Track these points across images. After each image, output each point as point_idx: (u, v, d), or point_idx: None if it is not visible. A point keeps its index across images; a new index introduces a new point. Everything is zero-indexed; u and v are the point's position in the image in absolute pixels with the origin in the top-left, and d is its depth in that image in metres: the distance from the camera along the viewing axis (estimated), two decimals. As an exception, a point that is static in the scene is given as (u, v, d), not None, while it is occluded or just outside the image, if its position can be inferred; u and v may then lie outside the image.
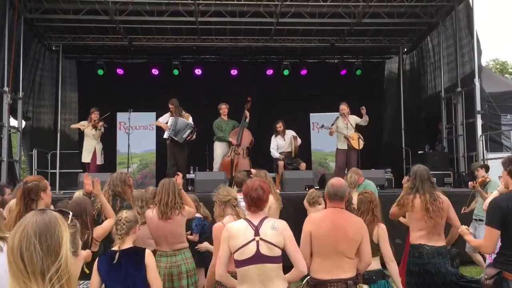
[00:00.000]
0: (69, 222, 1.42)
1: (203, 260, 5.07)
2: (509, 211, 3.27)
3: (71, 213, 1.48)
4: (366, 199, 4.06)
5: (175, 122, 8.95)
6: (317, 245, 3.39)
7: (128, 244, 3.44)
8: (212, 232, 3.76)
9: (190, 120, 9.18)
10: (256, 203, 3.10)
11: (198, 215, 5.39)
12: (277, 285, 3.03)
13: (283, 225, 3.13)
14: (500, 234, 3.33)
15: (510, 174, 3.44)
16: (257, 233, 3.00)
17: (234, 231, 3.06)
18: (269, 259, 2.98)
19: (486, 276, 3.37)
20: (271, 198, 5.18)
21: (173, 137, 8.94)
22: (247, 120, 9.51)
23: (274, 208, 5.32)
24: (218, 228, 3.72)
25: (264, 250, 2.97)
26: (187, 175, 9.66)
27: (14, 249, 1.29)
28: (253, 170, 6.47)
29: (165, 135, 9.11)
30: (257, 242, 2.98)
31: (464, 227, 3.72)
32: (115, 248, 3.44)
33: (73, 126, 10.19)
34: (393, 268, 3.99)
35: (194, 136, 9.08)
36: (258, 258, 2.96)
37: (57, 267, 1.29)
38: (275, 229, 3.03)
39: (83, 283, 3.53)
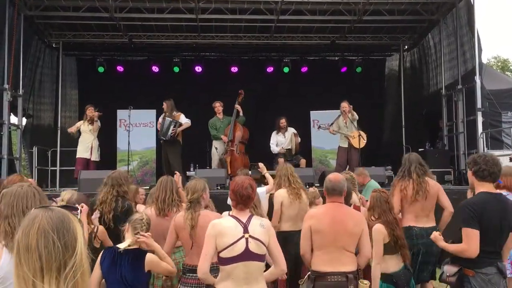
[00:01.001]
0: (79, 217, 1.42)
1: None
2: (481, 214, 3.28)
3: (79, 208, 1.47)
4: (383, 199, 4.00)
5: (162, 123, 9.06)
6: (317, 240, 3.42)
7: (135, 244, 3.44)
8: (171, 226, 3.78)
9: (182, 117, 9.16)
10: (245, 201, 3.09)
11: None
12: (260, 284, 3.04)
13: (268, 223, 3.18)
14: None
15: (475, 174, 3.41)
16: (246, 231, 3.00)
17: (223, 228, 3.03)
18: (256, 257, 2.99)
19: (448, 274, 3.42)
20: (283, 192, 5.13)
21: (162, 137, 9.04)
22: (241, 114, 9.40)
23: (287, 203, 5.09)
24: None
25: (253, 247, 2.98)
26: (187, 172, 9.68)
27: (32, 248, 1.26)
28: (260, 164, 6.21)
29: (160, 136, 9.30)
30: (246, 239, 2.98)
31: (436, 233, 3.67)
32: (121, 245, 3.44)
33: (70, 129, 9.43)
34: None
35: (179, 129, 9.00)
36: (247, 255, 2.96)
37: (73, 262, 1.28)
38: (262, 227, 3.05)
39: None
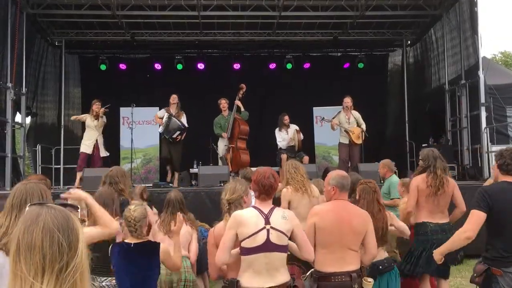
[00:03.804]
0: (79, 216, 1.39)
1: (202, 265, 4.86)
2: (496, 200, 3.25)
3: (79, 207, 1.46)
4: (370, 189, 4.02)
5: (168, 121, 8.98)
6: (321, 237, 3.39)
7: (139, 238, 3.42)
8: (210, 236, 3.51)
9: (184, 118, 9.16)
10: (267, 191, 3.10)
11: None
12: (282, 274, 3.05)
13: (291, 214, 3.19)
14: (486, 227, 3.31)
15: (500, 167, 3.40)
16: (267, 222, 3.01)
17: (244, 219, 3.05)
18: (277, 248, 3.00)
19: (475, 274, 3.35)
20: (290, 190, 4.97)
21: (164, 135, 9.03)
22: (242, 109, 9.27)
23: (296, 200, 4.92)
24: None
25: (274, 238, 2.99)
26: (190, 169, 9.69)
27: (35, 248, 1.22)
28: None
29: (160, 130, 9.26)
30: (268, 230, 2.99)
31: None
32: (128, 240, 3.42)
33: (74, 117, 9.72)
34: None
35: (182, 137, 9.06)
36: (268, 246, 2.98)
37: (74, 263, 1.25)
38: (285, 218, 3.07)
39: (106, 279, 3.58)
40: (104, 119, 9.22)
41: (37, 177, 3.73)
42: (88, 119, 9.15)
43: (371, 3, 10.40)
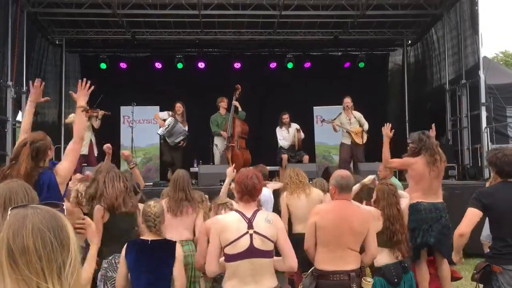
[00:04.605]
0: (65, 214, 1.38)
1: None
2: (494, 199, 3.29)
3: (64, 204, 1.44)
4: (390, 192, 4.01)
5: (173, 125, 8.93)
6: (321, 236, 3.39)
7: (157, 235, 3.41)
8: (201, 229, 3.60)
9: (186, 127, 9.18)
10: (250, 192, 2.99)
11: None
12: (269, 281, 2.96)
13: (276, 217, 3.08)
14: (489, 227, 3.38)
15: (498, 174, 3.42)
16: (250, 226, 2.90)
17: (226, 223, 2.95)
18: (262, 253, 2.90)
19: (475, 271, 3.38)
20: (286, 194, 5.05)
21: (166, 138, 8.97)
22: (240, 109, 9.30)
23: (293, 203, 5.04)
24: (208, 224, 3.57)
25: (258, 243, 2.88)
26: (190, 169, 9.67)
27: (29, 250, 1.20)
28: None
29: (160, 132, 9.14)
30: (251, 235, 2.88)
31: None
32: (144, 238, 3.41)
33: (68, 121, 9.23)
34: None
35: (185, 143, 9.06)
36: (251, 252, 2.87)
37: (70, 261, 1.24)
38: (268, 222, 2.95)
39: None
40: (99, 123, 9.07)
41: (39, 136, 3.66)
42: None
43: (371, 3, 10.39)
